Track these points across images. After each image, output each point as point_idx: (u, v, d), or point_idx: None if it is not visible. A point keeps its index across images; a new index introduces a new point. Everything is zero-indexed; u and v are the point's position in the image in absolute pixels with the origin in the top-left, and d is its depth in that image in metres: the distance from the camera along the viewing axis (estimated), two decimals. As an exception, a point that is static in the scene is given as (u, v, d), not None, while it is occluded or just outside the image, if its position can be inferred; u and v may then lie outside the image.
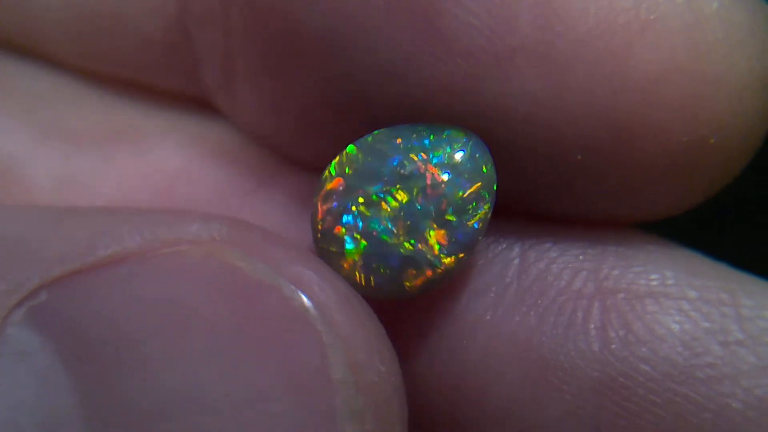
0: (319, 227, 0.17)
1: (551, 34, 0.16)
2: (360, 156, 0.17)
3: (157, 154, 0.21)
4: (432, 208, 0.17)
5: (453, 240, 0.17)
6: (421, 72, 0.17)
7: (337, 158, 0.17)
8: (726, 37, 0.16)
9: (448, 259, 0.17)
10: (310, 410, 0.14)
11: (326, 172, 0.17)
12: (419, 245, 0.17)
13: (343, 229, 0.17)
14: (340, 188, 0.17)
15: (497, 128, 0.17)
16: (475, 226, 0.17)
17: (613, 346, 0.17)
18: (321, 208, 0.17)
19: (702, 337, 0.17)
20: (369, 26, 0.17)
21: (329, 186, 0.17)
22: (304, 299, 0.15)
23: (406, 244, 0.17)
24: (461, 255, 0.17)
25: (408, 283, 0.17)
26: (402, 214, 0.17)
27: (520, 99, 0.16)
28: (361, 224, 0.17)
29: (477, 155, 0.17)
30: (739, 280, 0.17)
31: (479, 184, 0.17)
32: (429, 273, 0.17)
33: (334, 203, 0.17)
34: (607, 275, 0.18)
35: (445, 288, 0.18)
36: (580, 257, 0.18)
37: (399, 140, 0.17)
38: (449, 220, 0.17)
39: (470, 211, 0.17)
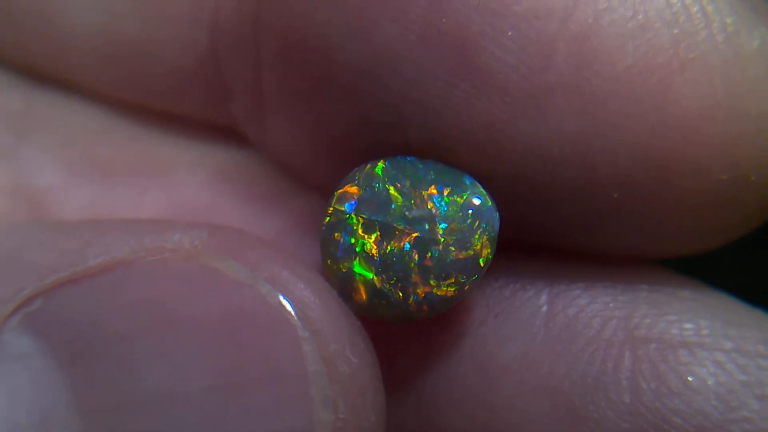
0: (326, 220, 0.18)
1: (588, 71, 0.16)
2: (384, 179, 0.17)
3: (187, 187, 0.21)
4: (417, 259, 0.17)
5: (425, 297, 0.17)
6: (456, 107, 0.17)
7: (369, 167, 0.18)
8: (767, 75, 0.16)
9: (415, 308, 0.17)
10: (287, 400, 0.15)
11: (353, 174, 0.18)
12: (396, 289, 0.17)
13: (340, 236, 0.17)
14: (354, 198, 0.17)
15: (532, 165, 0.17)
16: (449, 291, 0.17)
17: (645, 398, 0.16)
18: (334, 205, 0.18)
19: (738, 390, 0.16)
20: (403, 58, 0.17)
21: (349, 189, 0.18)
22: (280, 296, 0.15)
23: (385, 281, 0.17)
24: (425, 308, 0.17)
25: (380, 312, 0.17)
26: (388, 252, 0.17)
27: (555, 136, 0.16)
28: (350, 242, 0.17)
29: (483, 225, 0.17)
30: None
31: (471, 254, 0.17)
32: (397, 312, 0.17)
33: (345, 206, 0.17)
34: (639, 324, 0.17)
35: (473, 335, 0.18)
36: (611, 305, 0.17)
37: (422, 183, 0.17)
38: (429, 279, 0.17)
39: (453, 279, 0.17)
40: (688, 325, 0.17)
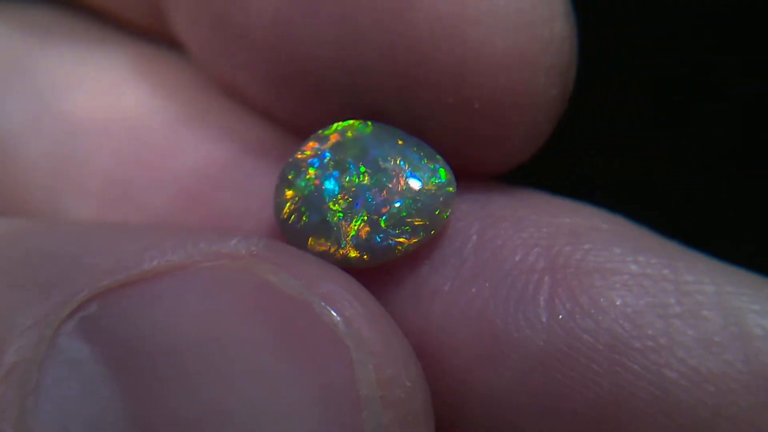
0: (297, 155, 0.19)
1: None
2: (366, 132, 0.19)
3: (121, 102, 0.22)
4: (375, 204, 0.18)
5: (369, 240, 0.18)
6: None
7: (352, 122, 0.19)
8: (489, 9, 0.17)
9: (354, 252, 0.18)
10: (337, 426, 0.15)
11: (337, 124, 0.19)
12: (343, 222, 0.18)
13: (310, 167, 0.18)
14: (334, 141, 0.19)
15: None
16: (392, 243, 0.18)
17: (561, 316, 0.18)
18: (309, 143, 0.19)
19: (643, 311, 0.18)
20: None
21: (330, 134, 0.19)
22: (334, 315, 0.15)
23: (338, 211, 0.18)
24: (365, 257, 0.18)
25: (310, 242, 0.18)
26: (352, 190, 0.18)
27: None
28: (320, 171, 0.18)
29: (443, 199, 0.18)
30: (684, 256, 0.18)
31: (427, 222, 0.18)
32: (332, 249, 0.18)
33: (320, 147, 0.19)
34: (559, 252, 0.19)
35: (408, 258, 0.19)
36: (535, 235, 0.19)
37: (400, 141, 0.19)
38: (379, 223, 0.18)
39: (398, 231, 0.18)
40: (602, 253, 0.18)
